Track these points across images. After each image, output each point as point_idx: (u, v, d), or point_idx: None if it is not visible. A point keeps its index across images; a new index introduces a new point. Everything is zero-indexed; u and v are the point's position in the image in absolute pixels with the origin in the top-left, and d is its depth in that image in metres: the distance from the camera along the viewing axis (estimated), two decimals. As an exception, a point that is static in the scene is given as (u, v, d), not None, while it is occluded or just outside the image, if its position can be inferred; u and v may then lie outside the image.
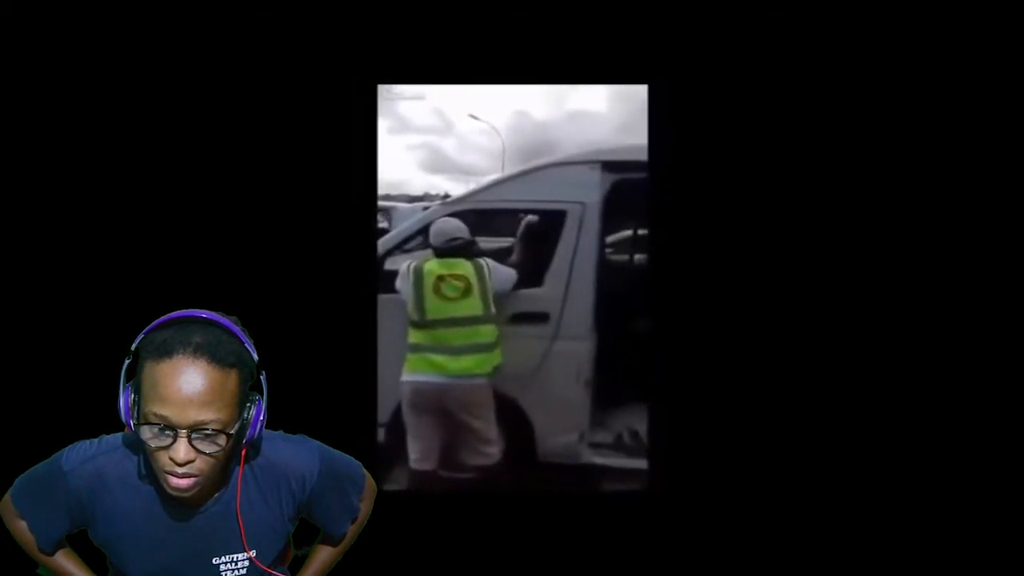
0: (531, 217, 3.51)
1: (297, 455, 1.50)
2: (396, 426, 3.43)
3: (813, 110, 3.19)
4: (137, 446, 1.40)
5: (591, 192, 3.42)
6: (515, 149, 3.43)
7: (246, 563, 1.49)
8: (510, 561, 3.17)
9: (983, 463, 3.14)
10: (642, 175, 3.30)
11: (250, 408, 1.36)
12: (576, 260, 3.43)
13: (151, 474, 1.38)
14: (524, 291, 3.48)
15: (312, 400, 2.77)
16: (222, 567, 1.48)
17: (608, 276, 3.43)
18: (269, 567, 1.51)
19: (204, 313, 1.35)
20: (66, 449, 1.46)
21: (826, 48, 3.17)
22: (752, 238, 3.23)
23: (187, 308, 1.36)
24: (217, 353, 1.29)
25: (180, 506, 1.42)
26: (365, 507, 1.67)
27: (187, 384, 1.27)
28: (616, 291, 3.43)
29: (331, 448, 1.57)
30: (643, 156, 3.29)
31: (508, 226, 3.54)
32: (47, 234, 3.13)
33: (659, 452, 3.32)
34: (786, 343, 3.22)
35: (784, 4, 3.16)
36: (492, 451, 3.42)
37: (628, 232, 3.48)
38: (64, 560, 1.56)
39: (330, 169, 3.23)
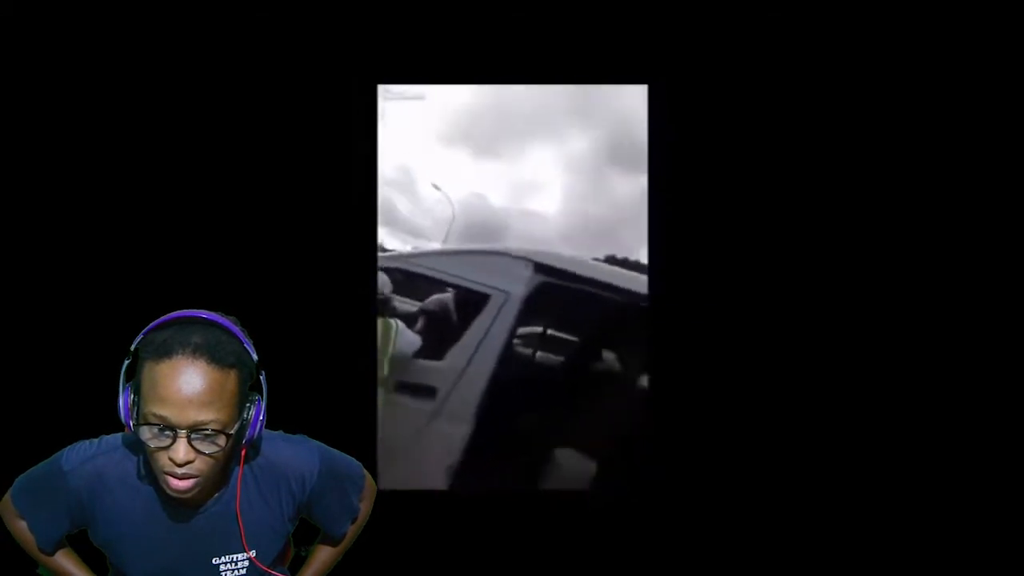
0: (451, 292, 3.52)
1: (297, 455, 1.50)
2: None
3: (813, 110, 3.19)
4: (137, 446, 1.40)
5: (518, 285, 3.48)
6: (463, 224, 3.50)
7: (246, 563, 1.49)
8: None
9: (981, 463, 3.14)
10: (566, 283, 3.44)
11: (250, 408, 1.36)
12: (483, 344, 3.46)
13: (151, 474, 1.38)
14: (422, 361, 3.49)
15: (312, 400, 2.77)
16: (222, 567, 1.48)
17: (507, 367, 3.45)
18: (269, 567, 1.51)
19: (203, 313, 1.35)
20: (66, 449, 1.46)
21: (826, 48, 3.17)
22: (751, 237, 3.23)
23: (187, 308, 1.36)
24: (216, 353, 1.29)
25: (180, 506, 1.42)
26: (365, 507, 1.67)
27: (186, 384, 1.27)
28: (510, 382, 3.45)
29: (331, 448, 1.57)
30: (573, 267, 3.43)
31: (432, 294, 3.56)
32: (47, 234, 3.13)
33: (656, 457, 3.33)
34: (784, 347, 3.23)
35: (784, 4, 3.16)
36: None
37: (539, 328, 3.52)
38: (64, 560, 1.56)
39: (330, 169, 3.23)
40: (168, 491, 1.33)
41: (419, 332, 3.51)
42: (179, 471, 1.29)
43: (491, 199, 3.46)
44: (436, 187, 3.41)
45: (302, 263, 3.19)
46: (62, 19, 3.11)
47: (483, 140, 3.45)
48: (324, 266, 3.21)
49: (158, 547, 1.45)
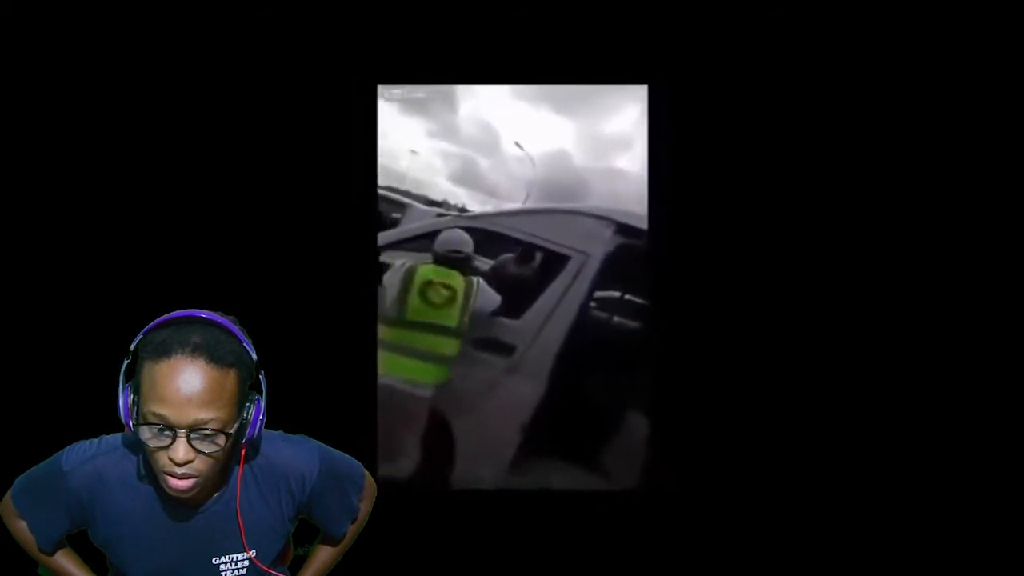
0: (534, 251, 3.52)
1: (297, 455, 1.50)
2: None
3: (814, 110, 3.19)
4: (137, 446, 1.40)
5: (598, 246, 3.46)
6: (544, 183, 3.47)
7: (246, 563, 1.49)
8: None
9: (980, 464, 3.14)
10: (647, 244, 3.37)
11: (249, 408, 1.35)
12: (560, 306, 3.45)
13: (151, 474, 1.38)
14: (501, 319, 3.50)
15: (312, 400, 2.77)
16: (222, 567, 1.48)
17: (583, 330, 3.45)
18: (269, 567, 1.51)
19: (203, 313, 1.35)
20: (66, 449, 1.46)
21: (826, 48, 3.18)
22: (750, 239, 3.24)
23: (187, 308, 1.36)
24: (216, 353, 1.29)
25: (180, 506, 1.42)
26: (365, 507, 1.67)
27: (186, 384, 1.27)
28: (585, 345, 3.44)
29: (331, 448, 1.57)
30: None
31: (512, 254, 3.57)
32: (47, 234, 3.13)
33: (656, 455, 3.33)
34: (785, 349, 3.23)
35: (784, 4, 3.16)
36: (402, 463, 3.41)
37: (616, 293, 3.50)
38: (64, 560, 1.56)
39: (330, 169, 3.23)
40: (168, 491, 1.33)
41: (498, 290, 3.51)
42: (179, 471, 1.29)
43: (574, 158, 3.42)
44: (518, 145, 3.39)
45: (302, 263, 3.19)
46: (62, 19, 3.11)
47: (566, 96, 3.41)
48: (325, 266, 3.21)
49: (158, 547, 1.45)
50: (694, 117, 3.23)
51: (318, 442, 1.55)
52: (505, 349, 3.47)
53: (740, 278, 3.24)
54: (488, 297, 3.49)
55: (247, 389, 1.35)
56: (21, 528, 1.52)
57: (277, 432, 1.51)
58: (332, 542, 1.66)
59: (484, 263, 3.54)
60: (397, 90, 3.36)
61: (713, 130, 3.22)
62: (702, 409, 3.26)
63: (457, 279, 3.45)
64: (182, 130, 3.15)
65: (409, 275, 3.45)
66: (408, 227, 3.55)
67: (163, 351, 1.28)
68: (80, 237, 3.14)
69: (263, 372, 1.38)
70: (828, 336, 3.22)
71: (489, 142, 3.44)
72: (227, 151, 3.17)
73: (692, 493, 3.26)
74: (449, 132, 3.45)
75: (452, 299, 3.44)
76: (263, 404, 1.38)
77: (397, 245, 3.53)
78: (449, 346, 3.46)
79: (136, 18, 3.12)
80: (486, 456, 3.41)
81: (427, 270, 3.47)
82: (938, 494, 3.15)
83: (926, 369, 3.18)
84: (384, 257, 3.48)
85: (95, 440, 1.46)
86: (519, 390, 3.43)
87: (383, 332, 3.42)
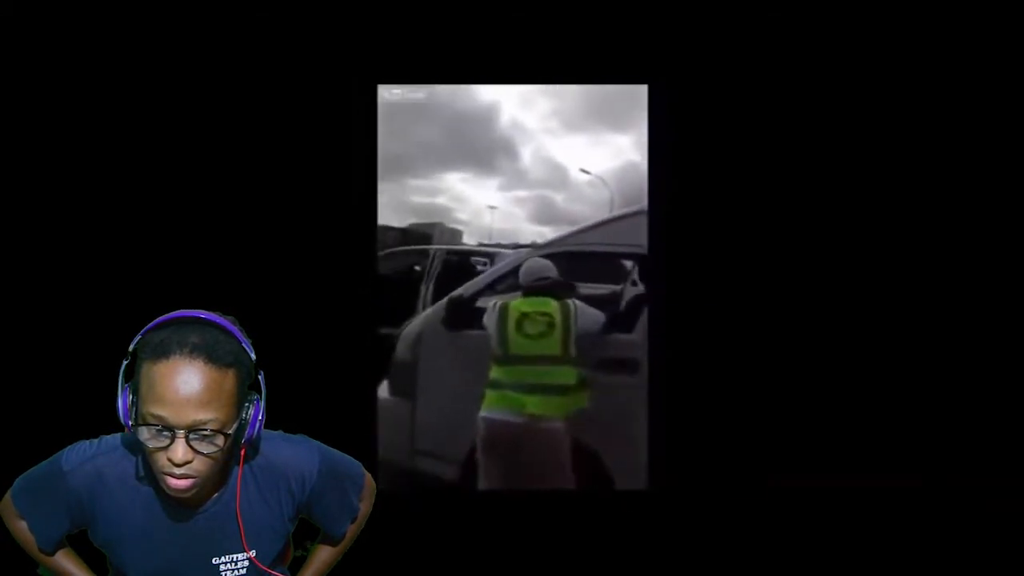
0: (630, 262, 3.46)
1: (297, 455, 1.50)
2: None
3: (814, 110, 3.19)
4: (136, 446, 1.40)
5: None
6: (622, 197, 3.46)
7: (246, 563, 1.49)
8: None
9: (981, 464, 3.14)
10: None
11: (248, 408, 1.35)
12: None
13: (150, 474, 1.38)
14: (615, 336, 3.42)
15: (312, 400, 2.77)
16: (222, 567, 1.48)
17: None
18: (269, 567, 1.51)
19: (202, 313, 1.35)
20: (66, 449, 1.46)
21: (826, 48, 3.18)
22: (752, 239, 3.24)
23: (186, 308, 1.36)
24: (214, 353, 1.29)
25: (180, 506, 1.42)
26: (365, 507, 1.67)
27: (184, 384, 1.27)
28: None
29: (331, 448, 1.57)
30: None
31: (602, 269, 3.49)
32: (47, 234, 3.14)
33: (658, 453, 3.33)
34: (785, 345, 3.23)
35: (784, 4, 3.16)
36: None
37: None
38: (64, 560, 1.56)
39: (330, 169, 3.23)
40: (167, 491, 1.33)
41: (598, 307, 3.45)
42: (178, 471, 1.29)
43: (640, 165, 3.40)
44: (585, 171, 3.40)
45: (302, 263, 3.20)
46: (62, 19, 3.11)
47: (611, 116, 3.43)
48: (324, 266, 3.21)
49: (158, 547, 1.45)
50: (694, 117, 3.23)
51: (318, 442, 1.55)
52: (631, 366, 3.39)
53: (741, 276, 3.24)
54: (590, 317, 3.43)
55: (246, 389, 1.35)
56: (21, 528, 1.52)
57: (277, 432, 1.51)
58: (332, 542, 1.66)
59: (583, 287, 3.46)
60: (397, 90, 3.36)
61: (713, 130, 3.23)
62: (706, 408, 3.26)
63: (551, 305, 3.42)
64: (182, 131, 3.16)
65: (503, 311, 3.44)
66: (490, 270, 3.53)
67: (162, 351, 1.28)
68: (80, 237, 3.14)
69: (262, 372, 1.38)
70: (830, 336, 3.22)
71: (558, 177, 3.48)
72: (227, 151, 3.18)
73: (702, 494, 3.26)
74: (519, 179, 3.51)
75: (551, 326, 3.41)
76: (262, 404, 1.38)
77: (486, 291, 3.52)
78: (563, 375, 3.41)
79: (136, 18, 3.12)
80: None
81: (519, 303, 3.45)
82: (945, 488, 3.15)
83: (930, 363, 3.18)
84: (479, 303, 3.49)
85: (95, 440, 1.46)
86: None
87: (494, 372, 3.43)
